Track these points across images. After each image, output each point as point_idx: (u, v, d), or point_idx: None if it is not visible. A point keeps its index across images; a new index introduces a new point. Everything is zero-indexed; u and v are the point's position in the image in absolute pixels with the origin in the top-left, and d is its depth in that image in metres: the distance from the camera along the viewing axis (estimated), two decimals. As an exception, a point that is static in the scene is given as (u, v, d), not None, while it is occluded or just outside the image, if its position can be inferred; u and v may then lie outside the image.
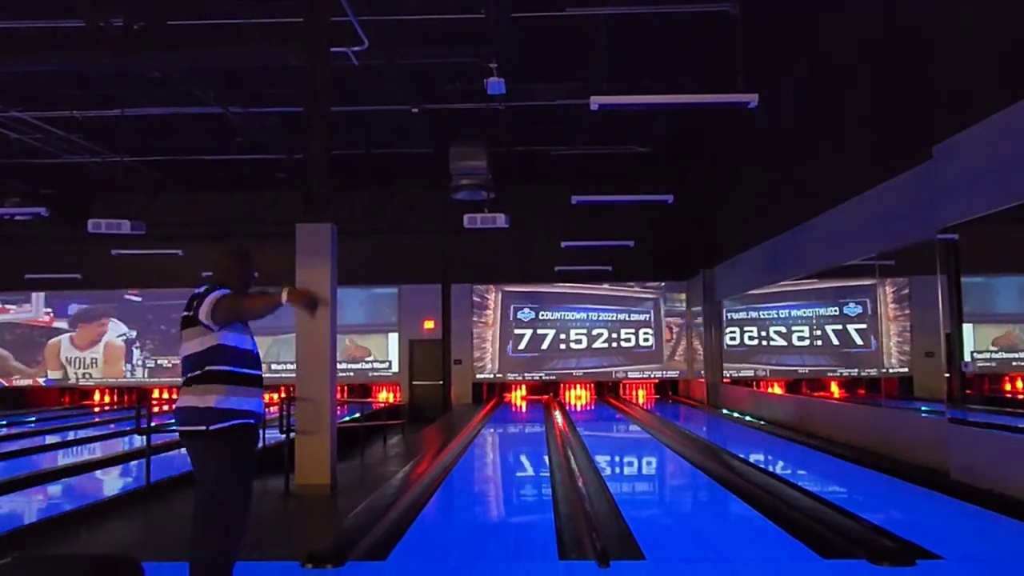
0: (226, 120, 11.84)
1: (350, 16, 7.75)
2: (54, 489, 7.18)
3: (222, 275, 3.40)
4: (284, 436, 6.99)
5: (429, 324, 17.36)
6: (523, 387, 17.69)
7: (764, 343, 15.80)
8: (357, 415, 13.26)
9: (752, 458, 8.43)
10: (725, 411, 13.97)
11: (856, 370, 14.91)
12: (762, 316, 15.59)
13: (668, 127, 12.95)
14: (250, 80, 10.57)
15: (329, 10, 7.10)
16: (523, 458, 9.18)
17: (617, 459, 9.10)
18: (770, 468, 8.06)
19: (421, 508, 5.80)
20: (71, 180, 15.02)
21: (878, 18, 8.33)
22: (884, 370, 13.91)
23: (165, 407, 13.36)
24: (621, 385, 17.62)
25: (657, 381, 17.64)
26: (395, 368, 17.52)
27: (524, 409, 15.86)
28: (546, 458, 8.35)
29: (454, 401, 17.00)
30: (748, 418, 12.54)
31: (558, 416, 13.00)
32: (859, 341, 14.73)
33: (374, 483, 6.83)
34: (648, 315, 17.61)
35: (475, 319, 17.52)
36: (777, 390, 16.29)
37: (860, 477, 7.10)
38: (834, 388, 16.52)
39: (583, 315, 17.58)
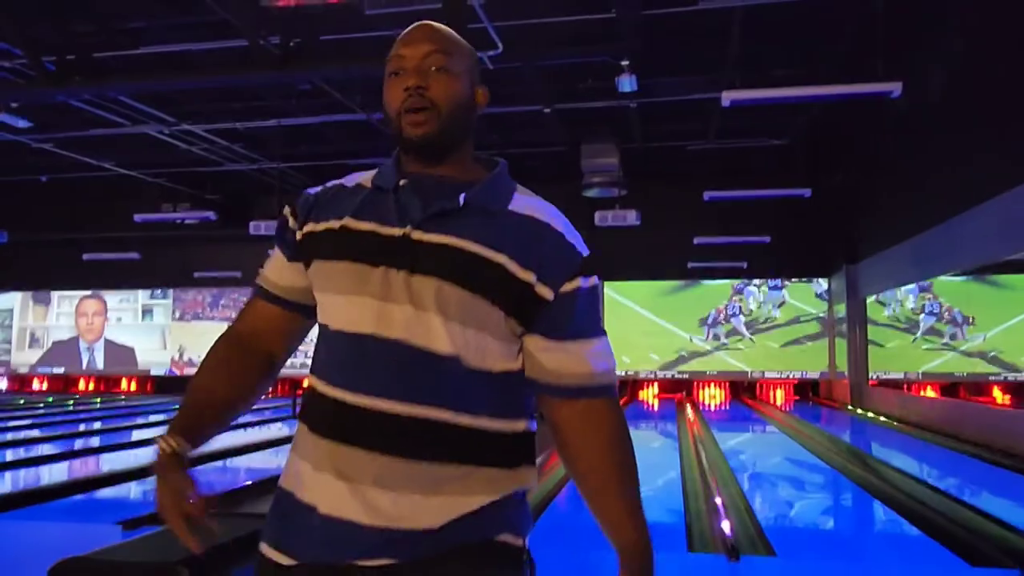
0: (369, 126, 12.53)
1: (485, 23, 8.05)
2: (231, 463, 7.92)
3: None
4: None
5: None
6: (655, 385, 17.56)
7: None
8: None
9: (897, 462, 8.05)
10: (871, 414, 13.31)
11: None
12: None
13: (805, 118, 12.50)
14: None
15: (466, 18, 7.41)
16: (654, 454, 9.19)
17: (751, 459, 8.94)
18: (916, 473, 7.67)
19: (553, 497, 5.98)
20: (233, 185, 16.36)
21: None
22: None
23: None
24: (758, 385, 17.12)
25: (796, 381, 17.00)
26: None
27: (656, 407, 15.77)
28: (677, 455, 8.33)
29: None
30: (896, 422, 11.90)
31: (691, 415, 12.86)
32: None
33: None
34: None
35: (608, 315, 17.57)
36: (931, 393, 15.33)
37: (1019, 486, 6.64)
38: (997, 394, 15.36)
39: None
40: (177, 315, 19.64)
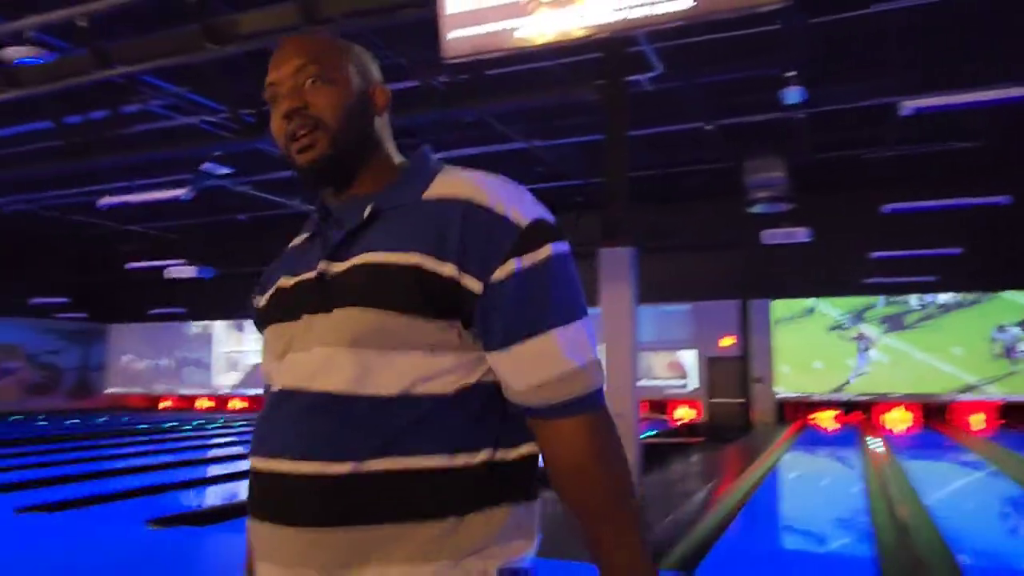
0: (529, 153, 12.85)
1: (643, 45, 8.06)
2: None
3: None
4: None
5: (726, 341, 17.03)
6: (832, 408, 16.53)
7: None
8: (655, 431, 13.44)
9: None
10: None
11: None
12: None
13: (998, 119, 11.41)
14: (551, 114, 11.40)
15: (625, 42, 7.46)
16: (833, 484, 8.66)
17: (947, 491, 8.19)
18: None
19: (725, 527, 5.80)
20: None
21: None
22: None
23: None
24: (950, 408, 15.65)
25: (1000, 404, 15.36)
26: (692, 385, 17.43)
27: (833, 432, 14.83)
28: (860, 485, 7.80)
29: (755, 421, 16.45)
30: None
31: (874, 441, 11.98)
32: None
33: (677, 499, 6.96)
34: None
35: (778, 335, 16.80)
36: None
37: None
38: None
39: (901, 331, 15.99)
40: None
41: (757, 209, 12.68)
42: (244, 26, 5.85)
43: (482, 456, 0.98)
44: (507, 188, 1.01)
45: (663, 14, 3.56)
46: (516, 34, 4.10)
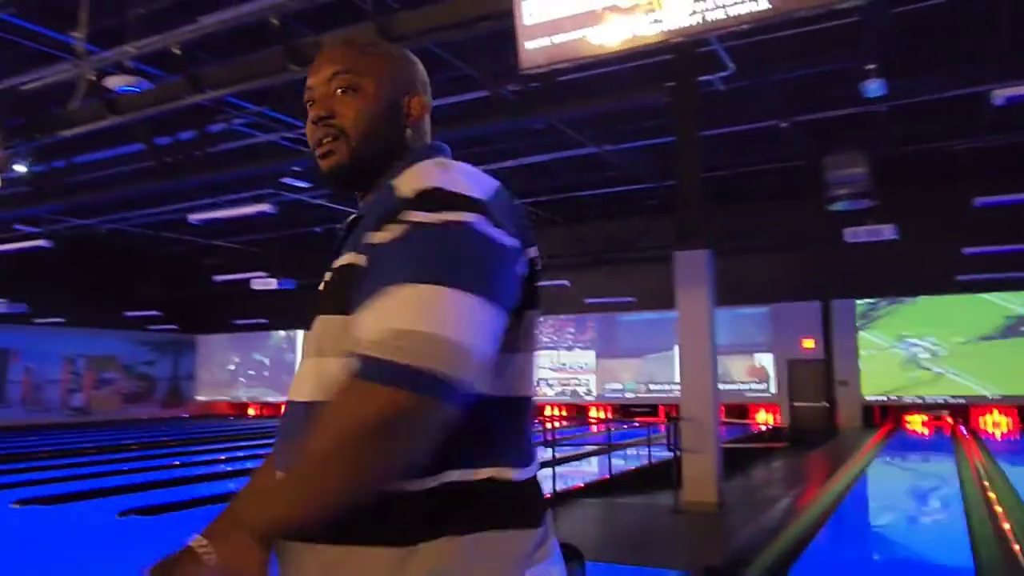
0: (599, 157, 12.80)
1: (715, 44, 7.94)
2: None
3: None
4: (671, 454, 7.33)
5: (808, 343, 16.54)
6: (923, 411, 15.84)
7: None
8: (737, 436, 13.17)
9: None
10: None
11: None
12: None
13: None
14: (621, 118, 11.33)
15: (696, 43, 7.37)
16: (927, 491, 8.30)
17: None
18: None
19: (812, 535, 5.64)
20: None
21: None
22: None
23: (558, 423, 14.70)
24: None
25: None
26: (772, 389, 17.00)
27: (926, 436, 14.22)
28: (956, 492, 7.46)
29: (841, 425, 15.91)
30: None
31: (970, 445, 11.43)
32: None
33: (760, 505, 6.81)
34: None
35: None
36: None
37: None
38: None
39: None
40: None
41: (838, 207, 12.28)
42: (325, 47, 6.02)
43: (437, 480, 0.88)
44: (436, 172, 0.95)
45: (740, 15, 3.51)
46: (592, 42, 4.11)
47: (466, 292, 0.84)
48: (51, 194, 9.46)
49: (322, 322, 0.98)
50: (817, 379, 16.33)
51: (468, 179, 0.94)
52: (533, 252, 0.99)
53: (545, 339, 20.01)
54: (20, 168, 8.67)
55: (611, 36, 4.03)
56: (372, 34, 5.61)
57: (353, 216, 1.08)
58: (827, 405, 16.16)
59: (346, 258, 0.97)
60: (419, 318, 0.81)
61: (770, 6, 3.46)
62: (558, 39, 4.19)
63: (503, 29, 5.11)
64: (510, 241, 0.92)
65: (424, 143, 1.11)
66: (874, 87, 8.47)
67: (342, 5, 6.48)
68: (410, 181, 0.94)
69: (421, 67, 1.16)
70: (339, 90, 1.06)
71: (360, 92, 1.06)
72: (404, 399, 0.80)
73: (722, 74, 8.43)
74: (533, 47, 4.28)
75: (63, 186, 9.77)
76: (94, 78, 6.41)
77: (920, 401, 15.67)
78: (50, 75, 7.21)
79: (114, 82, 6.10)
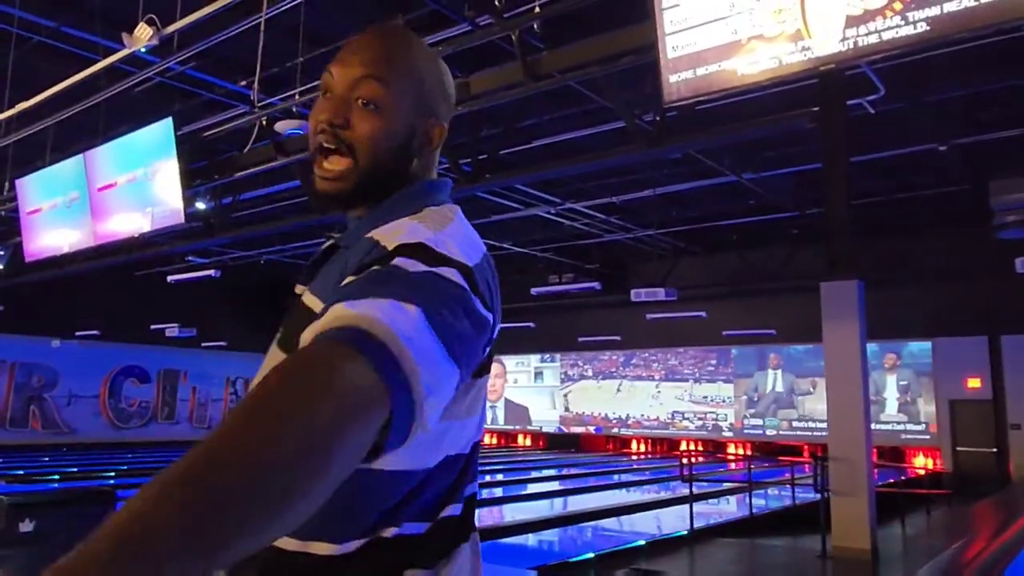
0: (739, 186, 12.49)
1: (864, 67, 7.62)
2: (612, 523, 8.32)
3: None
4: (819, 495, 6.96)
5: (974, 382, 15.23)
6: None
7: None
8: (892, 480, 12.30)
9: None
10: None
11: None
12: None
13: None
14: (762, 145, 11.03)
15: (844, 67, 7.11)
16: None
17: None
18: None
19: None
20: (611, 255, 17.47)
21: None
22: None
23: (698, 458, 14.31)
24: None
25: None
26: (931, 431, 15.75)
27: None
28: None
29: (1014, 473, 14.48)
30: None
31: None
32: None
33: (919, 555, 6.33)
34: None
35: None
36: None
37: None
38: None
39: None
40: (563, 376, 21.49)
41: (1008, 234, 11.34)
42: (474, 87, 6.27)
43: (371, 537, 0.86)
44: (420, 228, 0.89)
45: (895, 39, 3.35)
46: (737, 72, 4.06)
47: (432, 316, 0.76)
48: (221, 228, 10.34)
49: (274, 353, 0.96)
50: (984, 421, 14.98)
51: (459, 244, 0.89)
52: (498, 325, 0.93)
53: (686, 371, 19.58)
54: (200, 205, 9.57)
55: (756, 66, 3.97)
56: (520, 73, 5.75)
57: (330, 243, 1.03)
58: (996, 450, 14.77)
59: (310, 300, 0.94)
60: (363, 310, 0.73)
61: (928, 28, 3.30)
62: (702, 71, 4.16)
63: (646, 63, 5.15)
64: (485, 313, 0.87)
65: (427, 178, 1.05)
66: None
67: (488, 47, 6.73)
68: (395, 235, 0.88)
69: (449, 77, 1.08)
70: (361, 102, 0.98)
71: (381, 111, 0.98)
72: (318, 348, 0.71)
73: (872, 97, 8.08)
74: (676, 80, 4.28)
75: (231, 221, 10.65)
76: (264, 123, 7.00)
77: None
78: (230, 122, 7.93)
79: (282, 126, 6.64)
